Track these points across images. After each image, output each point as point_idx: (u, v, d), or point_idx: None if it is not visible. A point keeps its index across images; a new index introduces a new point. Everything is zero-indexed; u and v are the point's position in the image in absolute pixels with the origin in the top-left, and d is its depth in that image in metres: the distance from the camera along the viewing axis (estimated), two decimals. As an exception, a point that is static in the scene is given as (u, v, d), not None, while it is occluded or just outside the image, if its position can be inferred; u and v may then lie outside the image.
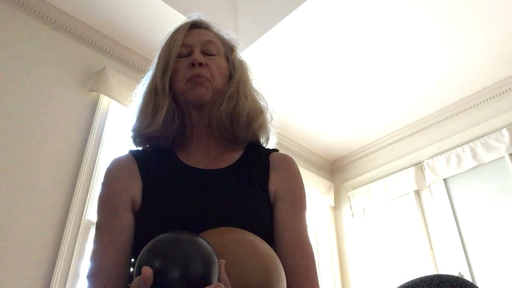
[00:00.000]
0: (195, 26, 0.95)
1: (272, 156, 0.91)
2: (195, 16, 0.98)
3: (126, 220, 0.78)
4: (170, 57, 0.89)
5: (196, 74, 0.86)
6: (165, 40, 0.94)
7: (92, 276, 0.74)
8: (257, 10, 2.63)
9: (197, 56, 0.87)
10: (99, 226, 0.80)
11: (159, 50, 0.94)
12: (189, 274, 0.52)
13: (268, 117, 0.96)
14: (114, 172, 0.85)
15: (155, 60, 0.95)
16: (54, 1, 2.34)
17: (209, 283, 0.53)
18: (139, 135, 0.90)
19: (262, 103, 0.96)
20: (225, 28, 1.01)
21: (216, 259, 0.56)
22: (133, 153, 0.89)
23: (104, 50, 2.54)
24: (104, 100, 2.41)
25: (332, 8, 2.38)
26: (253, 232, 0.73)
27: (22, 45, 2.19)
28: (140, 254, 0.56)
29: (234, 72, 0.94)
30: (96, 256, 0.76)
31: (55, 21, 2.36)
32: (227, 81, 0.92)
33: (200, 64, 0.86)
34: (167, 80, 0.88)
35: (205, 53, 0.90)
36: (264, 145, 0.96)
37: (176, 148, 0.91)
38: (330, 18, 2.44)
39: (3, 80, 2.05)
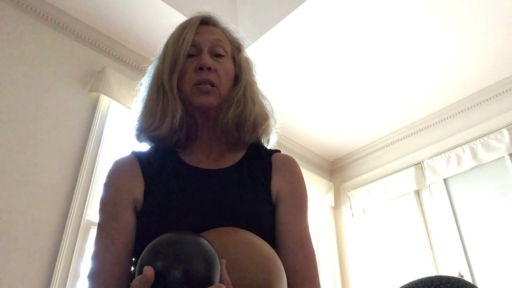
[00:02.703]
0: (204, 22, 0.94)
1: (274, 157, 0.91)
2: (203, 11, 0.97)
3: (127, 221, 0.78)
4: (178, 55, 0.87)
5: (204, 80, 0.85)
6: (174, 34, 0.92)
7: (93, 276, 0.74)
8: (257, 10, 2.63)
9: (206, 60, 0.86)
10: (101, 226, 0.80)
11: (167, 43, 0.93)
12: (190, 275, 0.52)
13: (273, 121, 0.95)
14: (116, 174, 0.85)
15: (161, 53, 0.93)
16: (54, 1, 2.34)
17: (211, 283, 0.53)
18: (144, 136, 0.89)
19: (267, 107, 0.95)
20: (232, 24, 1.00)
21: (218, 260, 0.56)
22: (136, 154, 0.89)
23: (104, 50, 2.54)
24: (104, 100, 2.41)
25: (332, 8, 2.38)
26: (254, 232, 0.73)
27: (22, 45, 2.19)
28: (142, 254, 0.56)
29: (241, 75, 0.93)
30: (97, 256, 0.76)
31: (55, 21, 2.36)
32: (233, 83, 0.92)
33: (209, 68, 0.85)
34: (175, 80, 0.87)
35: (213, 53, 0.89)
36: (265, 146, 0.96)
37: (178, 149, 0.90)
38: (330, 18, 2.44)
39: (3, 80, 2.05)
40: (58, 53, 2.33)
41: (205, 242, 0.56)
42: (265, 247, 0.70)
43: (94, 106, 2.37)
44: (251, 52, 2.71)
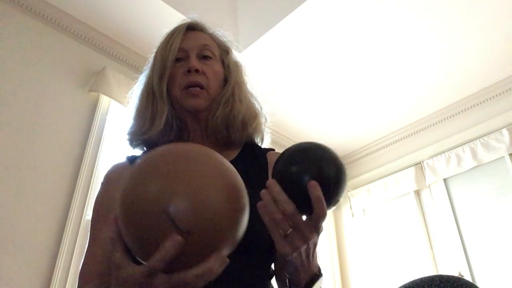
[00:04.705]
0: (191, 28, 0.96)
1: (270, 155, 0.92)
2: (190, 17, 0.99)
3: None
4: (167, 61, 0.89)
5: (193, 82, 0.87)
6: (162, 42, 0.94)
7: (80, 274, 0.77)
8: (257, 10, 2.63)
9: (194, 62, 0.88)
10: (91, 224, 0.84)
11: (155, 52, 0.95)
12: (322, 177, 0.58)
13: (263, 119, 0.97)
14: (109, 179, 0.88)
15: (151, 61, 0.95)
16: (54, 1, 2.34)
17: (341, 186, 0.59)
18: (136, 140, 0.91)
19: (256, 106, 0.97)
20: (220, 29, 1.01)
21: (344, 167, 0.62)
22: (130, 160, 0.90)
23: (104, 50, 2.54)
24: (104, 100, 2.41)
25: (332, 8, 2.38)
26: (253, 230, 0.72)
27: (22, 45, 2.19)
28: (277, 163, 0.63)
29: (229, 76, 0.95)
30: (85, 257, 0.79)
31: (55, 21, 2.36)
32: (222, 85, 0.93)
33: (197, 70, 0.87)
34: (164, 85, 0.89)
35: (201, 57, 0.91)
36: (259, 144, 0.97)
37: None
38: (330, 18, 2.44)
39: (3, 80, 2.05)
40: (58, 53, 2.33)
41: (332, 150, 0.62)
42: (227, 164, 0.60)
43: (94, 106, 2.37)
44: (250, 52, 2.73)
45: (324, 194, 0.57)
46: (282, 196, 0.59)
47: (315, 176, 0.58)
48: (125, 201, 0.53)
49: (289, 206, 0.58)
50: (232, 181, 0.58)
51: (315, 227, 0.60)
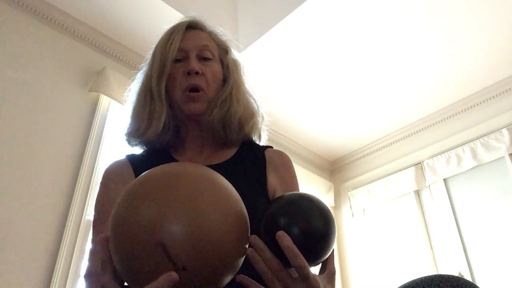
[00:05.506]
0: (190, 26, 0.95)
1: (267, 152, 0.93)
2: (190, 15, 0.98)
3: None
4: (166, 61, 0.89)
5: (193, 85, 0.87)
6: (161, 40, 0.94)
7: (88, 276, 0.76)
8: (257, 10, 2.63)
9: (194, 64, 0.87)
10: (93, 224, 0.83)
11: (154, 49, 0.95)
12: (310, 229, 0.56)
13: (259, 118, 0.97)
14: (109, 176, 0.87)
15: (149, 59, 0.95)
16: (54, 1, 2.34)
17: (329, 239, 0.57)
18: (133, 139, 0.91)
19: (254, 105, 0.97)
20: (219, 27, 1.01)
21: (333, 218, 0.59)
22: (129, 158, 0.91)
23: (104, 50, 2.54)
24: (104, 100, 2.41)
25: (332, 8, 2.38)
26: (252, 226, 0.73)
27: (22, 45, 2.19)
28: (266, 216, 0.59)
29: (228, 76, 0.95)
30: (92, 255, 0.78)
31: (55, 21, 2.36)
32: (221, 85, 0.93)
33: (197, 73, 0.87)
34: (163, 85, 0.89)
35: (201, 57, 0.91)
36: (257, 142, 0.98)
37: (170, 149, 0.92)
38: (330, 18, 2.44)
39: (3, 80, 2.05)
40: (58, 53, 2.33)
41: (322, 202, 0.60)
42: (232, 190, 0.58)
43: (94, 106, 2.37)
44: (250, 52, 2.73)
45: (312, 246, 0.55)
46: (265, 253, 0.56)
47: (302, 228, 0.55)
48: (117, 225, 0.49)
49: (273, 262, 0.56)
50: (237, 207, 0.53)
51: (303, 279, 0.55)
